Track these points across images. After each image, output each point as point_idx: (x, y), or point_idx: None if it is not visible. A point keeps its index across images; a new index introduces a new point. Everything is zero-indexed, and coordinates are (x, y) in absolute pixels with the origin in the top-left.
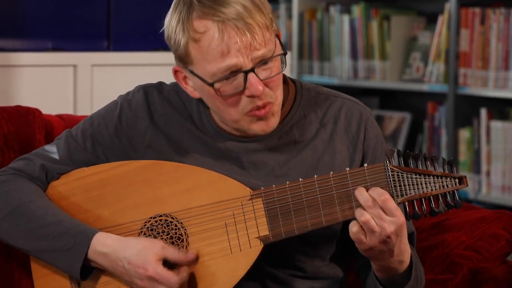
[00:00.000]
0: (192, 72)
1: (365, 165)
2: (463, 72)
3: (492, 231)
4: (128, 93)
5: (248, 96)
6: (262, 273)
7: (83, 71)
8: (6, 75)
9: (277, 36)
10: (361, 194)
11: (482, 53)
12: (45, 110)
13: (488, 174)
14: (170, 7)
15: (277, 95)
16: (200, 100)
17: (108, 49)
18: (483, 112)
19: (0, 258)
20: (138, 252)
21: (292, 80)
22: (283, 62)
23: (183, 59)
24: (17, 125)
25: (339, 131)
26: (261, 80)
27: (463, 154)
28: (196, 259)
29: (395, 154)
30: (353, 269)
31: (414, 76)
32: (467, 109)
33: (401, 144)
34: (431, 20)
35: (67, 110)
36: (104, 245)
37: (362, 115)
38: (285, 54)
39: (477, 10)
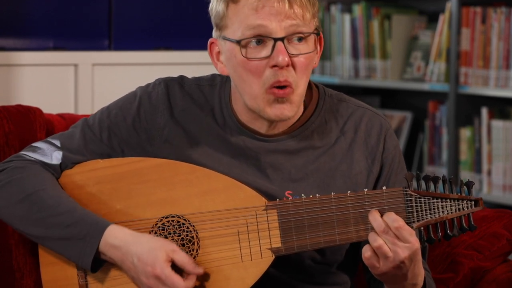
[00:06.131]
0: (224, 38)
1: (384, 188)
2: (464, 71)
3: (493, 230)
4: (148, 85)
5: (272, 67)
6: (269, 278)
7: (84, 70)
8: (7, 74)
9: (318, 33)
10: (374, 219)
11: (483, 52)
12: (46, 109)
13: (489, 173)
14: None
15: (300, 83)
16: (222, 92)
17: (109, 48)
18: (484, 111)
19: (1, 258)
20: (149, 250)
21: (316, 85)
22: (316, 49)
23: (219, 24)
24: (18, 124)
25: (359, 141)
26: (289, 54)
27: (464, 153)
28: (208, 252)
29: (414, 177)
30: (359, 272)
31: (415, 75)
32: (468, 108)
33: (402, 144)
34: (432, 19)
35: (68, 109)
36: (117, 237)
37: (382, 127)
38: (318, 34)
39: (478, 9)
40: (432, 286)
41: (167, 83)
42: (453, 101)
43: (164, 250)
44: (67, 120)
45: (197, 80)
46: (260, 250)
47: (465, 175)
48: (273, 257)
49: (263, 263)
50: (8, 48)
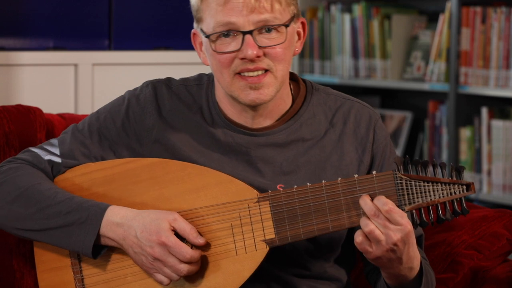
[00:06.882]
0: (201, 30)
1: (374, 172)
2: (464, 71)
3: (493, 230)
4: (135, 89)
5: (241, 59)
6: (266, 273)
7: (84, 70)
8: (7, 74)
9: (295, 18)
10: (365, 203)
11: (483, 52)
12: (46, 109)
13: (489, 173)
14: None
15: (278, 68)
16: (209, 91)
17: (109, 48)
18: (484, 111)
19: (1, 257)
20: (151, 221)
21: (303, 80)
22: (285, 34)
23: (196, 17)
24: (18, 124)
25: (348, 132)
26: (259, 46)
27: (464, 153)
28: (203, 246)
29: (404, 161)
30: (355, 269)
31: (415, 75)
32: (468, 108)
33: (402, 143)
34: (432, 19)
35: (68, 109)
36: (118, 215)
37: (371, 118)
38: (286, 25)
39: (478, 9)
40: (430, 272)
41: (154, 85)
42: (453, 101)
43: (166, 219)
44: (67, 120)
45: (184, 80)
46: (254, 243)
47: (465, 175)
48: (268, 248)
49: (258, 255)
50: (8, 48)
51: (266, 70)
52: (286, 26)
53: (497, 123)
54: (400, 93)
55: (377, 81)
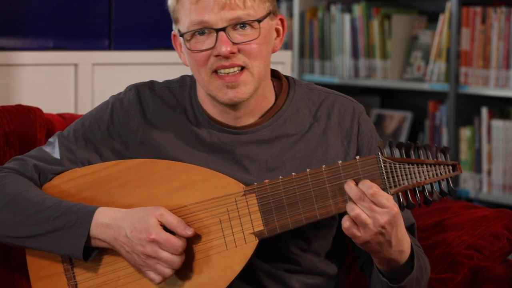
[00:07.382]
0: (179, 30)
1: (357, 157)
2: (464, 71)
3: (493, 230)
4: (119, 93)
5: (215, 56)
6: (257, 269)
7: (84, 70)
8: (7, 74)
9: (271, 14)
10: (350, 188)
11: (483, 52)
12: (46, 109)
13: (489, 173)
14: None
15: (253, 64)
16: (192, 92)
17: (109, 48)
18: (484, 111)
19: (1, 257)
20: (139, 219)
21: (285, 76)
22: (258, 29)
23: (173, 18)
24: (18, 124)
25: (333, 126)
26: (233, 42)
27: (464, 153)
28: (194, 242)
29: (387, 144)
30: (355, 267)
31: (415, 75)
32: (468, 108)
33: None
34: (432, 19)
35: (68, 109)
36: (107, 216)
37: (355, 111)
38: (259, 21)
39: (478, 9)
40: (422, 257)
41: (137, 88)
42: (453, 101)
43: (153, 215)
44: (67, 120)
45: (167, 83)
46: (244, 236)
47: (465, 175)
48: (257, 241)
49: (248, 248)
50: (8, 48)
51: (243, 68)
52: (259, 21)
53: (497, 123)
54: (400, 93)
55: (377, 81)
